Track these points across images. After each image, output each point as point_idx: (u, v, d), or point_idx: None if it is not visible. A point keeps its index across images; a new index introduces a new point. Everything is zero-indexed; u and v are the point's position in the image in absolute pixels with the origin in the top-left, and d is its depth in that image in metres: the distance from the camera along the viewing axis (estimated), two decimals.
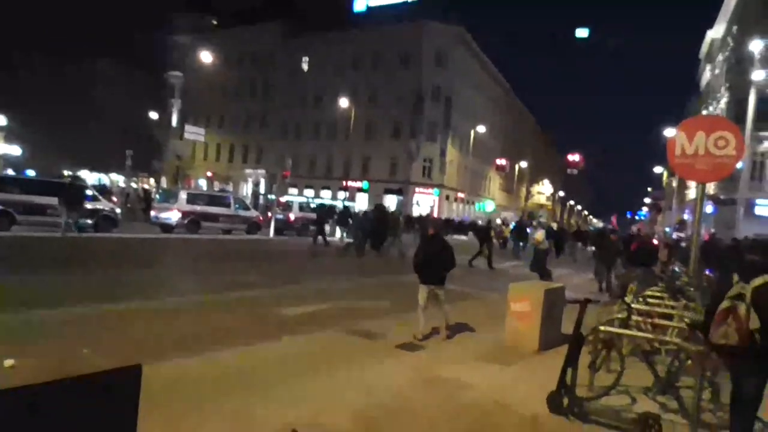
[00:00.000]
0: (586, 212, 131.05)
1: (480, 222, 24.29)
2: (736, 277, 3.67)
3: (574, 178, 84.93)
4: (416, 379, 5.48)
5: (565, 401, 4.59)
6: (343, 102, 44.31)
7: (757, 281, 3.50)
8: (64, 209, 15.69)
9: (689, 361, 4.82)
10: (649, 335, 4.98)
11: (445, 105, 50.45)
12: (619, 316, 5.37)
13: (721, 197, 34.00)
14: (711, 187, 32.21)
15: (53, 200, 16.58)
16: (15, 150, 34.34)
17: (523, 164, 70.09)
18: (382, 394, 4.96)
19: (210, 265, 13.81)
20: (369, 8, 53.24)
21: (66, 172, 54.94)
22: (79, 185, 17.33)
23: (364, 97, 50.61)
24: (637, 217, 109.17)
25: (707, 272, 11.70)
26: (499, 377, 5.84)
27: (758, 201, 33.52)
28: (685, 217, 47.04)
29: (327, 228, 22.93)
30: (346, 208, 27.35)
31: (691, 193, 46.92)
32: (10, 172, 31.94)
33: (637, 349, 5.67)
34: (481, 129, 53.32)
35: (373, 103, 51.12)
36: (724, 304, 3.55)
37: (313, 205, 28.81)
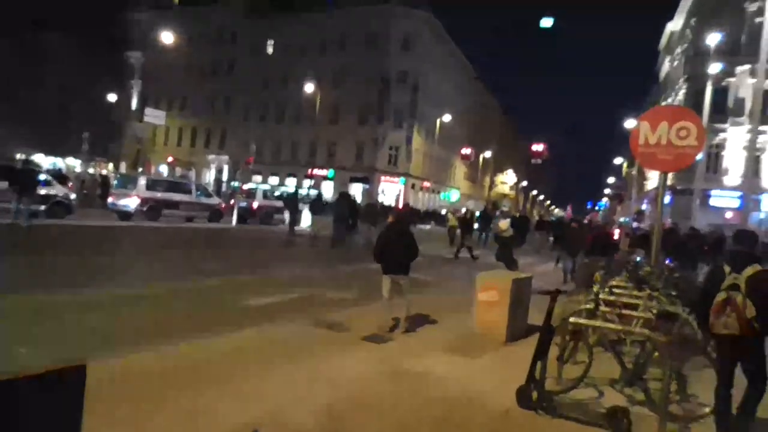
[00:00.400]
0: (548, 202, 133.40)
1: (463, 211, 24.43)
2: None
3: (537, 167, 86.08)
4: (383, 372, 5.35)
5: (534, 395, 4.53)
6: (309, 86, 43.64)
7: (749, 271, 3.77)
8: (15, 195, 14.90)
9: (656, 353, 4.82)
10: (618, 327, 4.96)
11: (412, 91, 50.25)
12: (587, 306, 5.34)
13: (678, 188, 34.96)
14: (669, 178, 33.07)
15: (3, 185, 15.87)
16: None
17: (488, 154, 70.66)
18: (347, 388, 4.81)
19: (169, 254, 13.39)
20: None
21: (19, 156, 52.81)
22: (30, 169, 16.48)
23: (330, 80, 49.96)
24: (597, 207, 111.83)
25: (667, 261, 11.95)
26: (467, 369, 5.76)
27: (713, 192, 34.62)
28: (644, 207, 48.31)
29: (299, 217, 22.50)
30: (319, 195, 26.99)
31: (650, 183, 48.17)
32: None
33: (603, 338, 5.67)
34: (448, 117, 53.40)
35: (339, 87, 50.55)
36: (721, 295, 3.76)
37: (277, 193, 28.38)
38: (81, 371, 2.30)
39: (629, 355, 5.44)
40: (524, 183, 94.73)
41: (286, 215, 24.22)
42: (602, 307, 5.39)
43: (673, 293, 6.85)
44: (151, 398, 4.15)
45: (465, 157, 63.86)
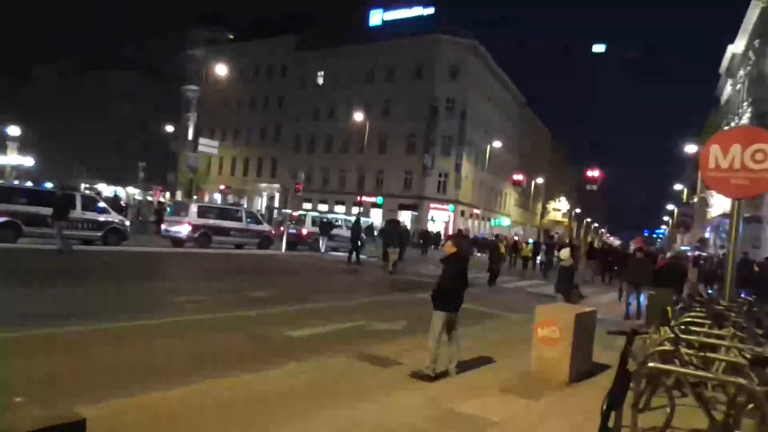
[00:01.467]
0: (603, 230, 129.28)
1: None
2: None
3: (590, 194, 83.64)
4: (432, 416, 4.86)
5: None
6: (357, 115, 44.05)
7: None
8: (51, 220, 15.20)
9: (751, 405, 4.16)
10: (710, 375, 4.33)
11: (459, 118, 49.98)
12: (665, 347, 4.73)
13: (746, 215, 32.96)
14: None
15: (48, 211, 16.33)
16: (28, 161, 34.38)
17: (539, 180, 69.26)
18: None
19: (217, 281, 13.33)
20: (384, 22, 53.14)
21: (84, 185, 55.48)
22: (64, 194, 16.89)
23: (378, 110, 50.33)
24: (655, 235, 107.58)
25: (743, 295, 10.94)
26: (527, 414, 5.20)
27: None
28: (706, 235, 45.86)
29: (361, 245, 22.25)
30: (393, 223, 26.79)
31: (713, 210, 45.77)
32: (29, 183, 31.92)
33: (683, 382, 5.03)
34: (497, 143, 52.71)
35: (386, 117, 50.83)
36: None
37: (337, 221, 28.33)
38: (80, 426, 2.02)
39: (711, 400, 4.78)
40: (577, 210, 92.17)
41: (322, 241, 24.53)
42: (683, 348, 4.75)
43: (759, 332, 6.09)
44: None
45: (516, 183, 62.77)
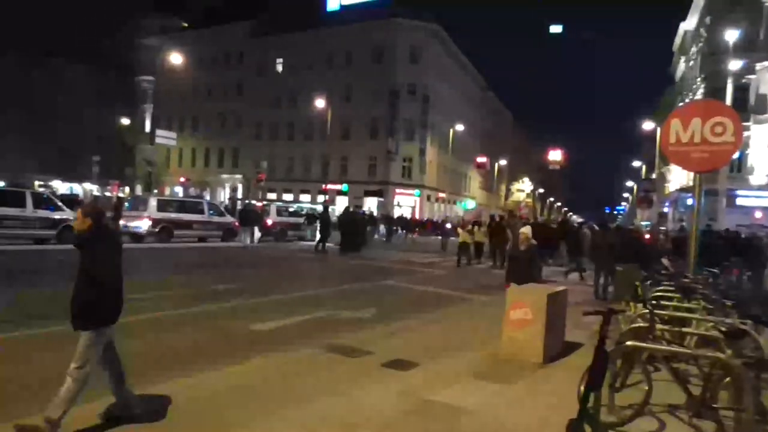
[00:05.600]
0: (565, 209, 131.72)
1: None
2: None
3: (552, 173, 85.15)
4: (406, 407, 4.66)
5: (589, 430, 3.83)
6: (319, 102, 43.41)
7: None
8: None
9: (728, 378, 4.09)
10: (688, 351, 4.25)
11: (422, 102, 49.83)
12: (640, 324, 4.64)
13: (703, 188, 33.86)
14: (690, 178, 32.01)
15: (12, 211, 15.78)
16: None
17: (503, 162, 69.89)
18: (365, 428, 4.15)
19: (179, 276, 12.85)
20: (342, 7, 52.31)
21: (37, 182, 53.30)
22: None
23: (340, 96, 49.66)
24: (615, 212, 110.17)
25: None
26: (502, 399, 5.05)
27: (739, 192, 33.45)
28: (665, 210, 47.05)
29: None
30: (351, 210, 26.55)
31: (671, 185, 46.96)
32: None
33: (655, 358, 4.97)
34: (460, 127, 52.81)
35: (348, 103, 50.25)
36: None
37: (292, 209, 27.90)
38: None
39: (685, 374, 4.72)
40: (541, 190, 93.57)
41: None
42: (659, 325, 4.66)
43: (728, 303, 6.09)
44: None
45: (480, 166, 63.16)
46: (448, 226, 29.85)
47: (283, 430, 4.08)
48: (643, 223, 47.03)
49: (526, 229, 7.93)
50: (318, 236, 21.56)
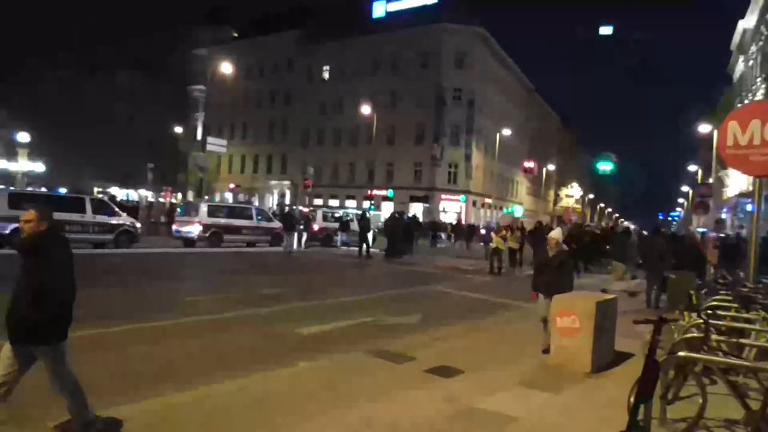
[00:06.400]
0: (617, 215, 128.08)
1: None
2: None
3: (602, 178, 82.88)
4: (450, 413, 4.65)
5: None
6: (365, 108, 43.75)
7: None
8: None
9: None
10: (747, 362, 4.08)
11: (467, 107, 49.49)
12: (694, 335, 4.48)
13: (765, 194, 32.27)
14: (750, 183, 30.57)
15: (73, 216, 16.48)
16: (39, 167, 34.51)
17: (551, 167, 68.61)
18: None
19: (228, 280, 13.20)
20: (388, 14, 52.65)
21: (96, 189, 55.78)
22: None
23: (385, 102, 49.89)
24: (670, 218, 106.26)
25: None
26: (549, 408, 4.97)
27: None
28: (723, 216, 45.10)
29: (370, 238, 21.93)
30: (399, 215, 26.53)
31: (729, 190, 44.95)
32: (43, 189, 32.11)
33: (710, 370, 4.78)
34: (507, 131, 52.14)
35: (394, 109, 50.37)
36: None
37: (337, 215, 28.15)
38: None
39: (743, 387, 4.52)
40: (591, 195, 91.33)
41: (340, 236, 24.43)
42: (714, 336, 4.49)
43: None
44: None
45: (528, 171, 62.18)
46: (483, 231, 29.32)
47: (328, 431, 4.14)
48: (699, 229, 45.22)
49: (555, 233, 7.24)
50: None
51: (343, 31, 52.16)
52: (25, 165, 30.83)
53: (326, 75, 57.45)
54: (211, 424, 4.18)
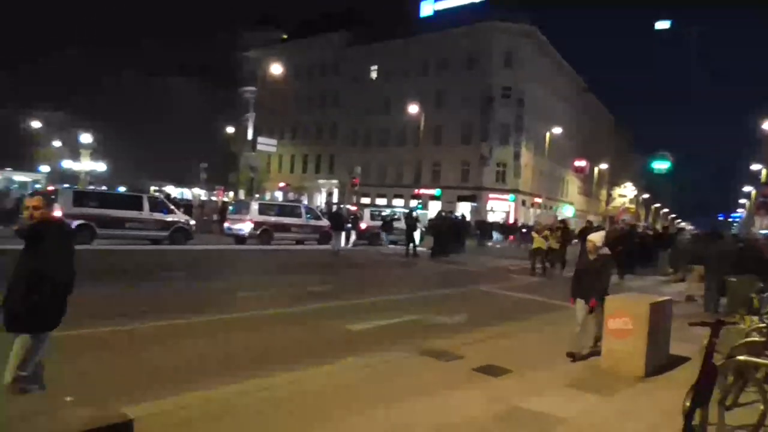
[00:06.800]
0: (673, 215, 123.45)
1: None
2: None
3: (658, 178, 79.94)
4: (497, 413, 4.62)
5: None
6: (412, 108, 43.77)
7: None
8: None
9: None
10: None
11: (516, 106, 48.75)
12: (755, 338, 4.31)
13: None
14: None
15: (131, 213, 17.25)
16: (101, 167, 36.22)
17: (603, 166, 66.77)
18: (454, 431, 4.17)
19: (278, 277, 13.50)
20: (436, 12, 52.46)
21: (152, 188, 58.13)
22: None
23: (432, 102, 49.70)
24: (730, 219, 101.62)
25: None
26: (599, 411, 4.87)
27: None
28: None
29: (417, 236, 21.80)
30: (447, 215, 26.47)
31: None
32: (103, 188, 33.67)
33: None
34: (557, 130, 51.07)
35: (441, 108, 50.14)
36: None
37: (384, 213, 28.29)
38: (127, 427, 1.96)
39: None
40: (645, 195, 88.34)
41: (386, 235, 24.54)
42: None
43: None
44: None
45: (579, 170, 60.71)
46: (524, 230, 28.69)
47: (372, 429, 4.20)
48: (762, 231, 43.14)
49: (595, 236, 6.80)
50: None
51: (390, 31, 52.32)
52: (87, 165, 32.41)
53: (374, 75, 57.78)
54: (264, 411, 4.33)
